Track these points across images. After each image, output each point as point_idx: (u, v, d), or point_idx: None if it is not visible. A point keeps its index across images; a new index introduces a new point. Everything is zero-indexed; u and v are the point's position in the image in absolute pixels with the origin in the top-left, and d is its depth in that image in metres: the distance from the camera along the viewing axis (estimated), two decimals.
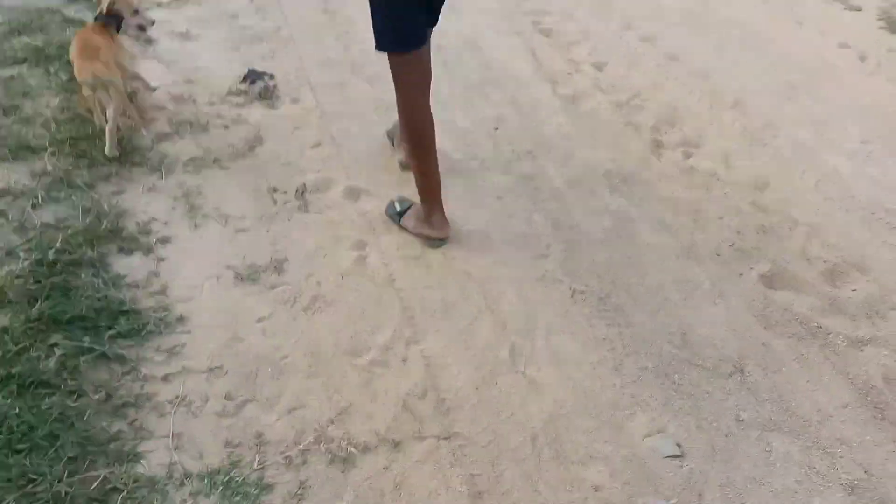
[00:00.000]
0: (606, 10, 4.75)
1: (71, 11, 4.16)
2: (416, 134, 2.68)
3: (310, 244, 2.75)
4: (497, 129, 3.52)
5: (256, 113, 3.56)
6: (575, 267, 2.71)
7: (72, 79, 3.44)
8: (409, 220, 2.85)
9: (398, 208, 2.90)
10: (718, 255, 2.79)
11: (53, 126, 3.09)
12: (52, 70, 3.49)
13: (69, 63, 3.53)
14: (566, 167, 3.28)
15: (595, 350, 2.36)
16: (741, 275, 2.68)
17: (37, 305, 2.19)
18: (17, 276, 2.27)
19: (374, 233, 2.83)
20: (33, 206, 2.64)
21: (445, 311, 2.49)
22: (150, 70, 3.73)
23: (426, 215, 2.79)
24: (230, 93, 3.70)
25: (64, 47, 3.69)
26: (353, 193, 3.04)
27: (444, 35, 4.19)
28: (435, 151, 2.69)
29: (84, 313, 2.22)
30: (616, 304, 2.55)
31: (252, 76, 3.89)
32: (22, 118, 3.11)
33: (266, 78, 3.88)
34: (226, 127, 3.42)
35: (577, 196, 3.10)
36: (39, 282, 2.28)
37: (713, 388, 2.25)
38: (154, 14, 4.03)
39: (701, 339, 2.42)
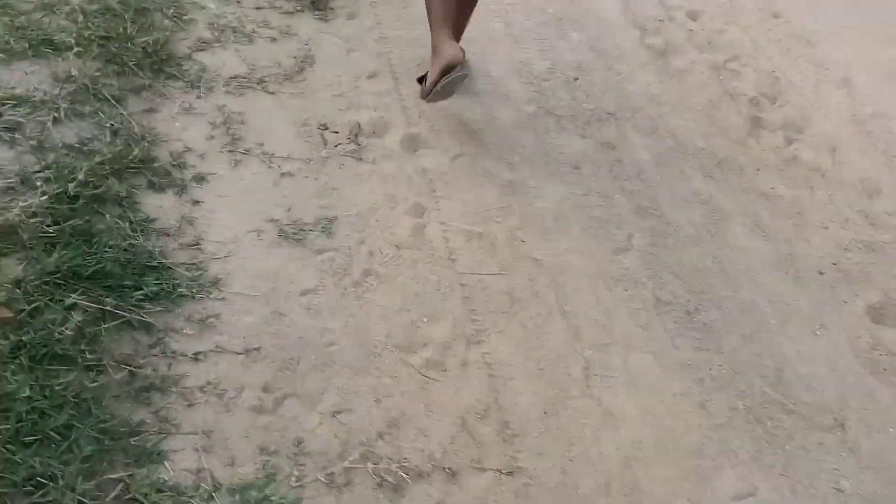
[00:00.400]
0: None
1: None
2: None
3: (362, 202, 2.48)
4: (577, 79, 3.19)
5: (307, 25, 3.22)
6: (660, 267, 2.45)
7: None
8: (429, 74, 2.73)
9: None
10: (821, 273, 2.53)
11: (81, 18, 2.77)
12: None
13: None
14: (653, 138, 2.97)
15: (680, 378, 2.13)
16: (845, 302, 2.43)
17: (54, 254, 1.94)
18: (33, 214, 2.00)
19: (433, 196, 2.56)
20: (54, 121, 2.34)
21: (511, 306, 2.25)
22: None
23: (435, 47, 2.65)
24: None
25: None
26: (412, 143, 2.76)
27: None
28: None
29: (108, 268, 1.95)
30: (705, 322, 2.31)
31: None
32: (45, 4, 2.78)
33: None
34: (273, 39, 3.09)
35: (664, 177, 2.81)
36: (58, 223, 2.02)
37: (810, 443, 2.03)
38: None
39: (798, 378, 2.20)
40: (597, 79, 3.23)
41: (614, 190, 2.73)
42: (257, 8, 3.25)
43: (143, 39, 2.81)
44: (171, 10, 3.04)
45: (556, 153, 2.83)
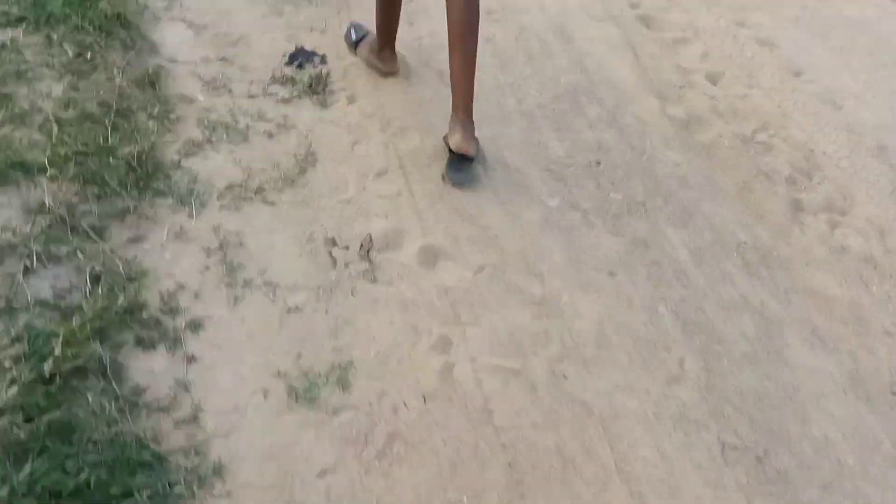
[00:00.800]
0: None
1: None
2: None
3: (381, 338, 2.05)
4: (599, 163, 2.77)
5: (305, 113, 2.78)
6: (719, 400, 2.04)
7: (80, 54, 2.62)
8: (363, 50, 3.02)
9: (354, 37, 3.05)
10: (894, 393, 2.10)
11: (55, 129, 2.31)
12: (54, 37, 2.66)
13: (77, 28, 2.71)
14: (689, 230, 2.56)
15: None
16: None
17: (26, 467, 1.49)
18: (0, 413, 1.55)
19: (459, 323, 2.14)
20: (25, 272, 1.89)
21: (563, 469, 1.84)
22: (176, 37, 2.93)
23: (378, 48, 2.91)
24: (274, 80, 2.91)
25: (71, 2, 2.83)
26: (430, 255, 2.33)
27: (526, 12, 3.42)
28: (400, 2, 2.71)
29: (91, 476, 1.51)
30: (778, 470, 1.90)
31: (300, 57, 3.09)
32: (15, 115, 2.34)
33: (316, 60, 3.08)
34: (270, 135, 2.65)
35: (706, 278, 2.39)
36: (31, 419, 1.57)
37: None
38: None
39: None
40: (620, 160, 2.80)
41: (656, 300, 2.31)
42: (250, 97, 2.82)
43: (127, 150, 2.37)
44: (157, 109, 2.59)
45: (587, 257, 2.41)
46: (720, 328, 2.27)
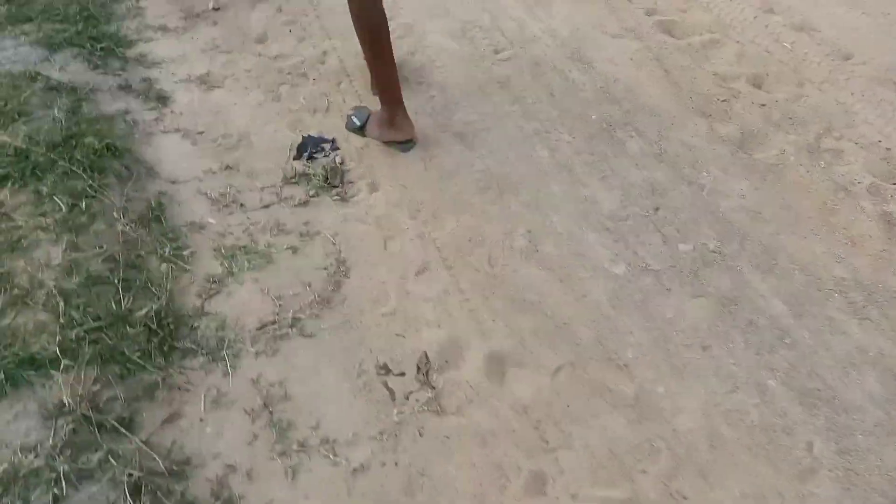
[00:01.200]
0: None
1: (55, 71, 2.99)
2: (368, 27, 2.46)
3: (464, 488, 1.77)
4: (658, 209, 2.44)
5: (328, 214, 2.50)
6: (864, 490, 1.74)
7: (74, 205, 2.35)
8: (373, 130, 2.75)
9: (357, 123, 2.80)
10: None
11: (61, 305, 2.03)
12: (44, 191, 2.38)
13: (67, 174, 2.45)
14: (776, 276, 2.22)
15: None
16: None
17: None
18: None
19: (548, 449, 1.85)
20: (55, 501, 1.61)
21: None
22: (173, 152, 2.67)
23: (389, 118, 2.67)
24: (286, 180, 2.62)
25: (56, 144, 2.57)
26: (497, 364, 2.03)
27: (537, 42, 3.10)
28: (390, 45, 2.49)
29: None
30: None
31: (308, 146, 2.80)
32: (16, 296, 2.05)
33: (327, 147, 2.79)
34: (294, 250, 2.37)
35: (811, 332, 2.07)
36: None
37: None
38: (160, 47, 3.32)
39: None
40: (679, 201, 2.48)
41: (762, 372, 1.99)
42: (265, 207, 2.54)
43: (143, 311, 2.09)
44: (167, 248, 2.31)
45: (673, 333, 2.09)
46: (843, 394, 1.95)
